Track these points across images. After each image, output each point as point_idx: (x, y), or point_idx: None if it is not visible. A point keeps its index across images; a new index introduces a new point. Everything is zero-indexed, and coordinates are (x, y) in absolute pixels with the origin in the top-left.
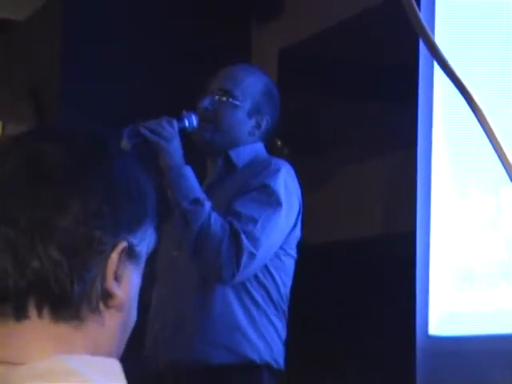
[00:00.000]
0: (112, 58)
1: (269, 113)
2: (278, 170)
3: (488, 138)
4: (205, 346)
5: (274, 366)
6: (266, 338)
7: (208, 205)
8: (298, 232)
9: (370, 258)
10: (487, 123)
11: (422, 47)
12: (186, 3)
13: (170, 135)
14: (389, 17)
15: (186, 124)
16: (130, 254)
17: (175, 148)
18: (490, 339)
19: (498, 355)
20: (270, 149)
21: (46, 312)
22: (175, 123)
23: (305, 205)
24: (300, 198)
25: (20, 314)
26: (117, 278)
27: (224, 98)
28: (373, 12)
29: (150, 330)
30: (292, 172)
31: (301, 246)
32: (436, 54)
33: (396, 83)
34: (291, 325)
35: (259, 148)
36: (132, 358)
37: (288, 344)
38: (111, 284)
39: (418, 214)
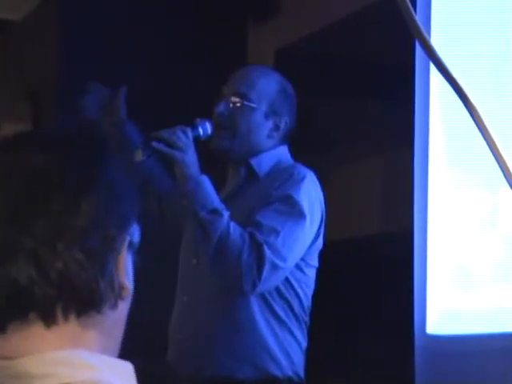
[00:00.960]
0: (111, 57)
1: (287, 113)
2: (301, 180)
3: (483, 137)
4: (230, 360)
5: (295, 379)
6: (288, 353)
7: (226, 215)
8: (320, 242)
9: (367, 256)
10: (483, 123)
11: (419, 46)
12: (185, 3)
13: (185, 146)
14: (385, 16)
15: (201, 132)
16: (130, 245)
17: (191, 158)
18: (488, 338)
19: (496, 354)
20: None
21: (72, 316)
22: (189, 132)
23: None
24: (323, 206)
25: (48, 320)
26: (125, 271)
27: (239, 103)
28: (369, 11)
29: (172, 339)
30: (315, 180)
31: None
32: (432, 55)
33: (393, 82)
34: None
35: (282, 153)
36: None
37: None
38: (123, 278)
39: (415, 213)
